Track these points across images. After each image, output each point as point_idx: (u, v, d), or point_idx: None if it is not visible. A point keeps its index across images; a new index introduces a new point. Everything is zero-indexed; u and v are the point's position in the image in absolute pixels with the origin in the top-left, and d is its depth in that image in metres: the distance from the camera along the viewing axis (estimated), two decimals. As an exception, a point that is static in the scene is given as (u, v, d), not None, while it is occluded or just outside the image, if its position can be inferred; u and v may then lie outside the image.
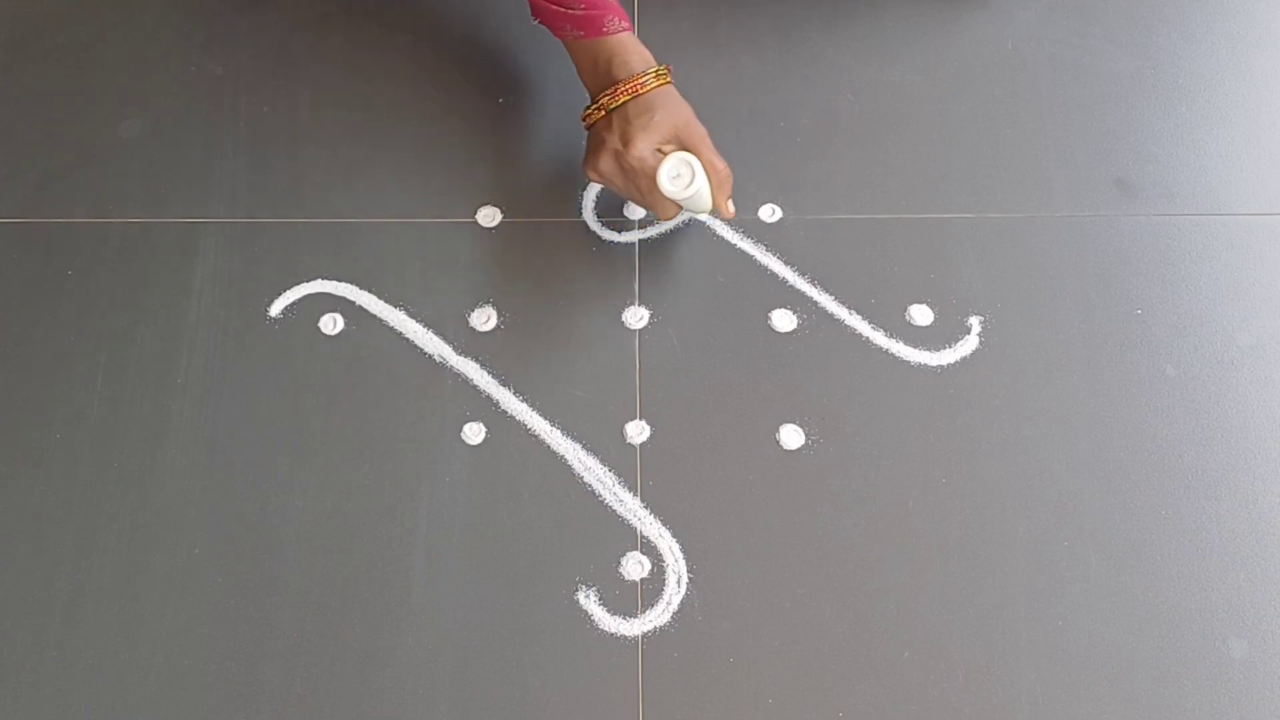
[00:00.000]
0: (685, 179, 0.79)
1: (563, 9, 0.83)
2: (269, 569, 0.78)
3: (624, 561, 0.78)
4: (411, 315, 0.87)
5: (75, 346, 0.86)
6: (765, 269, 0.89)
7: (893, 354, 0.85)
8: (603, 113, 0.83)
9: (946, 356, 0.85)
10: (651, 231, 0.90)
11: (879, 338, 0.86)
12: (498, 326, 0.86)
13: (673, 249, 0.90)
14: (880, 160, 0.94)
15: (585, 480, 0.81)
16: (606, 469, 0.81)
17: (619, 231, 0.90)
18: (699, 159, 0.80)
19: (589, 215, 0.91)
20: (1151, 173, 0.93)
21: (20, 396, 0.84)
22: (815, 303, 0.87)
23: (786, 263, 0.89)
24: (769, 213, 0.91)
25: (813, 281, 0.88)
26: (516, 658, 0.75)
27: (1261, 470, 0.81)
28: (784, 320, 0.86)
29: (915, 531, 0.79)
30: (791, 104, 0.96)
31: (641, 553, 0.78)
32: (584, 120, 0.84)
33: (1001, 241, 0.90)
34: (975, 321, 0.86)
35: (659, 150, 0.80)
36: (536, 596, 0.77)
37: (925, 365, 0.85)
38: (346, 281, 0.88)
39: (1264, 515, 0.79)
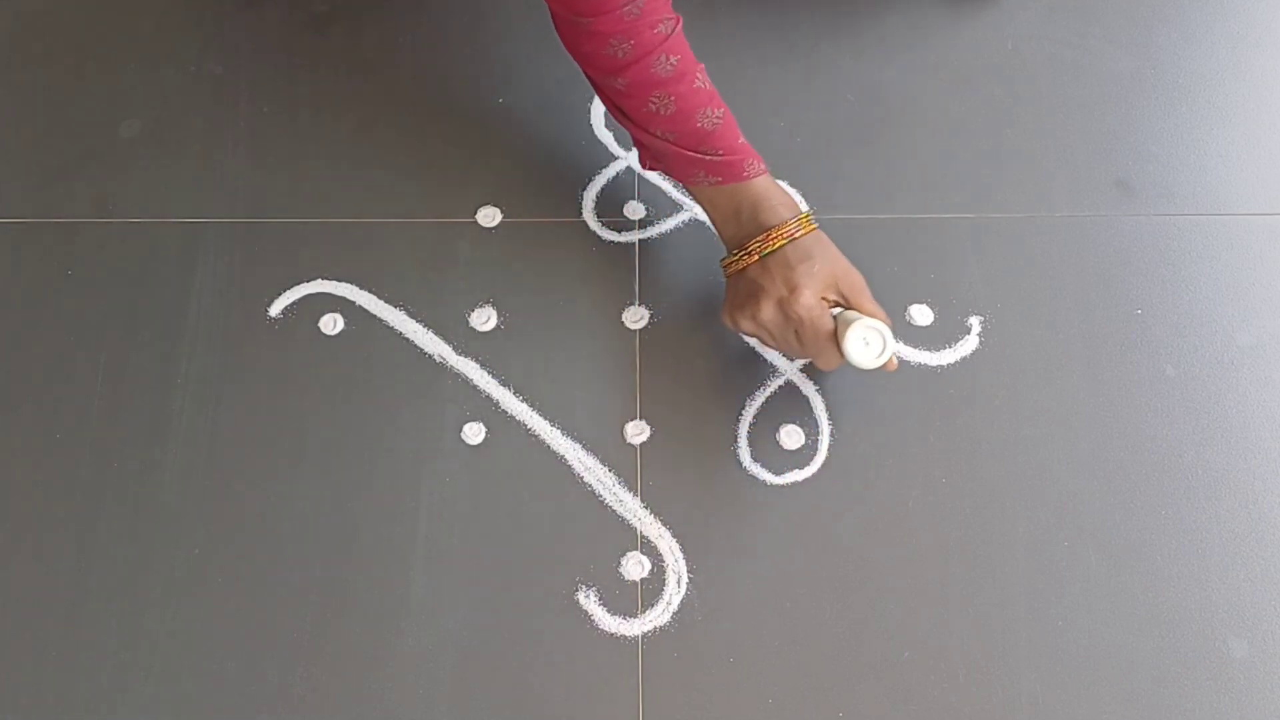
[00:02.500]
0: (876, 348, 0.75)
1: (700, 154, 0.78)
2: (269, 569, 0.78)
3: (624, 561, 0.78)
4: (411, 315, 0.87)
5: (75, 346, 0.86)
6: (765, 269, 0.89)
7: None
8: (755, 258, 0.77)
9: (946, 356, 0.85)
10: (651, 231, 0.90)
11: (879, 338, 0.86)
12: (498, 326, 0.86)
13: (673, 249, 0.90)
14: (880, 160, 0.94)
15: (585, 480, 0.81)
16: (606, 469, 0.81)
17: (619, 231, 0.90)
18: (863, 309, 0.77)
19: (589, 215, 0.91)
20: (1151, 173, 0.93)
21: (20, 396, 0.84)
22: (815, 303, 0.87)
23: (786, 263, 0.89)
24: (769, 213, 0.91)
25: (813, 281, 0.88)
26: (516, 657, 0.75)
27: (1261, 470, 0.81)
28: (784, 320, 0.86)
29: (915, 531, 0.79)
30: (791, 104, 0.96)
31: (641, 553, 0.78)
32: (726, 266, 0.80)
33: (1001, 241, 0.90)
34: (975, 321, 0.86)
35: (823, 299, 0.76)
36: (536, 596, 0.77)
37: (925, 365, 0.85)
38: (346, 281, 0.88)
39: (1264, 515, 0.79)
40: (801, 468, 0.81)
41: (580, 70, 0.81)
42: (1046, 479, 0.81)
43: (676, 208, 0.91)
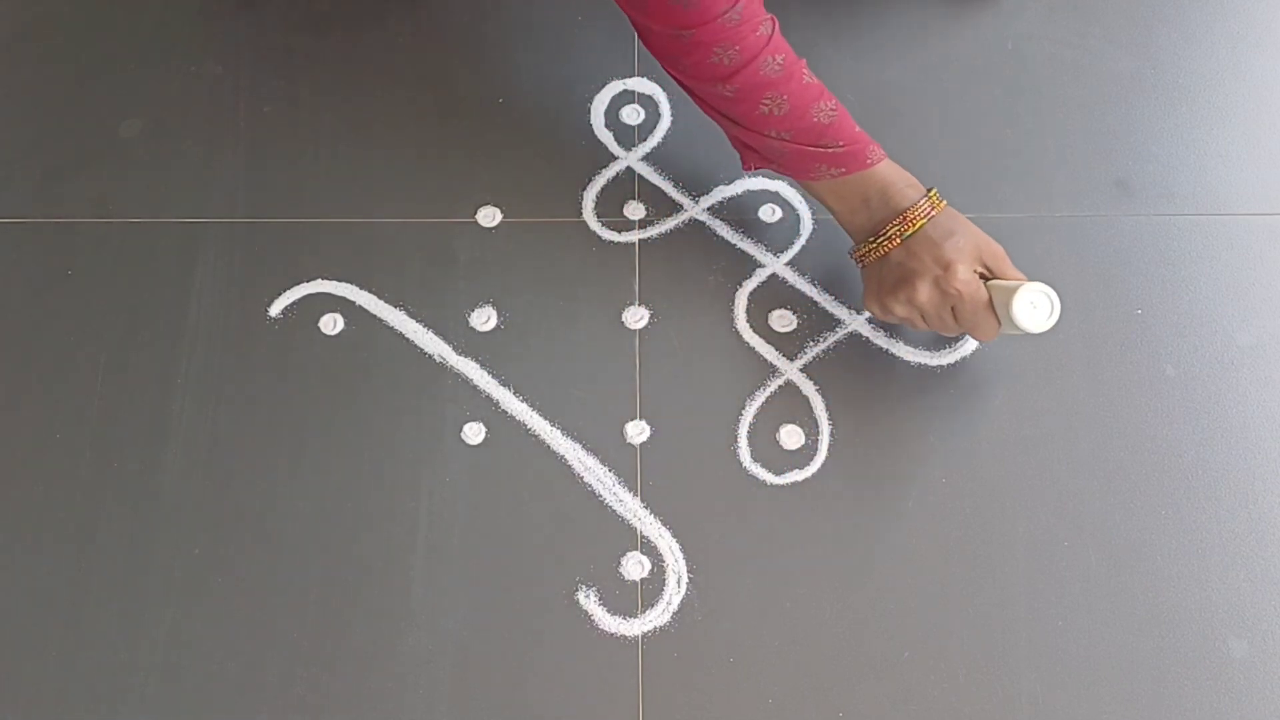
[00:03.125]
0: (1044, 309, 0.75)
1: (820, 148, 0.78)
2: (269, 569, 0.78)
3: (624, 561, 0.78)
4: (411, 315, 0.87)
5: (75, 346, 0.86)
6: (765, 269, 0.89)
7: (893, 354, 0.85)
8: (897, 242, 0.77)
9: (946, 356, 0.85)
10: (651, 231, 0.90)
11: (879, 338, 0.86)
12: (498, 326, 0.86)
13: (673, 249, 0.90)
14: (880, 160, 0.94)
15: (585, 480, 0.81)
16: (606, 469, 0.81)
17: (619, 231, 0.90)
18: (1009, 275, 0.77)
19: (589, 215, 0.91)
20: (1151, 173, 0.93)
21: (20, 396, 0.84)
22: (815, 303, 0.87)
23: (786, 263, 0.89)
24: (769, 213, 0.91)
25: (813, 281, 0.88)
26: (516, 657, 0.75)
27: (1261, 470, 0.81)
28: (784, 320, 0.86)
29: (915, 531, 0.79)
30: (791, 104, 0.96)
31: (641, 553, 0.78)
32: (864, 255, 0.80)
33: (1001, 241, 0.89)
34: (975, 321, 0.86)
35: (975, 271, 0.76)
36: (536, 596, 0.77)
37: (925, 365, 0.85)
38: (346, 281, 0.88)
39: (1264, 515, 0.79)
40: (801, 468, 0.81)
41: (678, 82, 0.81)
42: (1046, 479, 0.81)
43: (676, 208, 0.91)
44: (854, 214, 0.80)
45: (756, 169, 0.83)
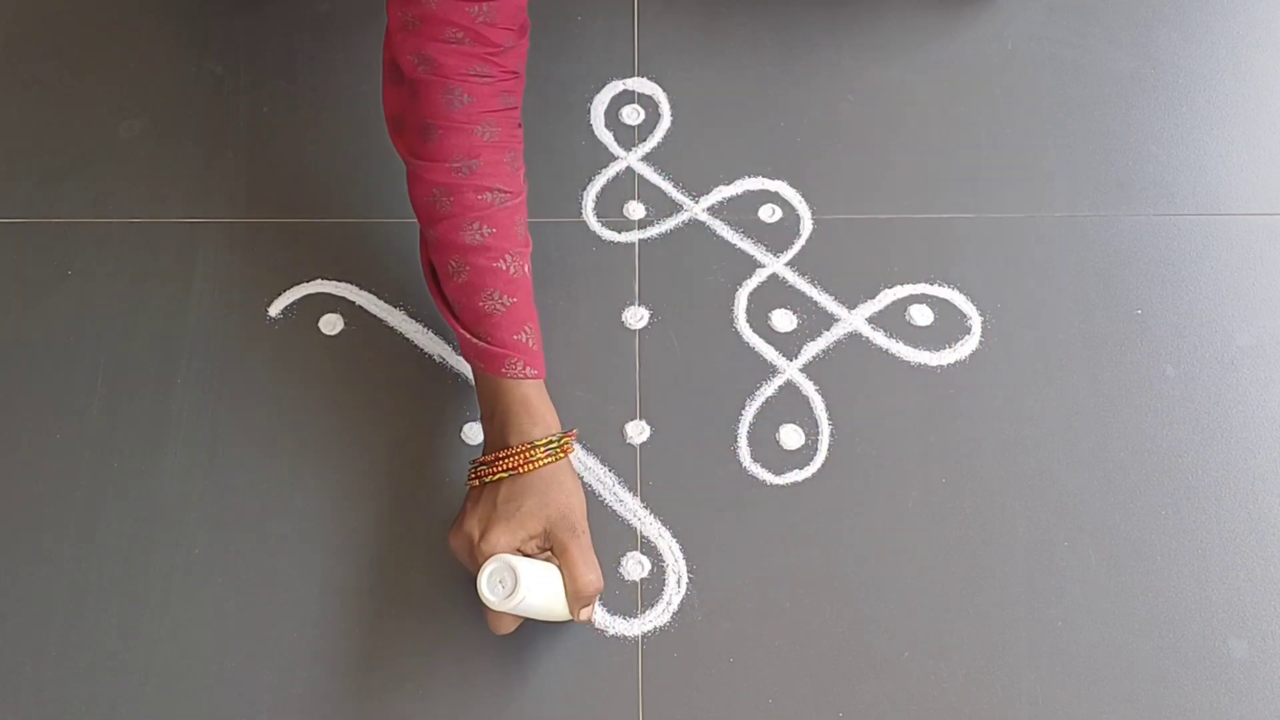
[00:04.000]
0: (507, 587, 0.67)
1: (467, 332, 0.74)
2: (269, 569, 0.78)
3: (624, 561, 0.78)
4: (411, 315, 0.87)
5: (75, 346, 0.86)
6: (765, 269, 0.89)
7: (893, 354, 0.85)
8: (478, 482, 0.72)
9: (946, 356, 0.85)
10: (651, 231, 0.90)
11: (879, 338, 0.86)
12: (498, 326, 0.86)
13: (673, 249, 0.90)
14: (880, 160, 0.94)
15: (585, 480, 0.81)
16: (606, 469, 0.81)
17: (619, 231, 0.90)
18: (563, 560, 0.70)
19: (589, 215, 0.91)
20: (1151, 173, 0.93)
21: (20, 396, 0.84)
22: (815, 303, 0.87)
23: (786, 263, 0.89)
24: (769, 213, 0.91)
25: (813, 281, 0.88)
26: (516, 658, 0.75)
27: (1261, 470, 0.81)
28: (784, 320, 0.86)
29: (915, 531, 0.79)
30: (791, 104, 0.96)
31: (641, 553, 0.78)
32: (467, 480, 0.74)
33: (1001, 241, 0.90)
34: (975, 321, 0.86)
35: (519, 550, 0.70)
36: (536, 596, 0.77)
37: (925, 365, 0.85)
38: (346, 281, 0.88)
39: (1264, 515, 0.79)
40: (801, 468, 0.81)
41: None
42: (1046, 479, 0.81)
43: (676, 208, 0.91)
44: (485, 422, 0.75)
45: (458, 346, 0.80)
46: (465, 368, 0.85)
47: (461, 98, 0.73)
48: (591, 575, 0.70)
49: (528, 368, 0.74)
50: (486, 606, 0.68)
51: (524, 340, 0.74)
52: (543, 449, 0.71)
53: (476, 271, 0.74)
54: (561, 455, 0.72)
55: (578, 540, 0.71)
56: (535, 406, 0.73)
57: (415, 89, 0.73)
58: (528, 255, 0.77)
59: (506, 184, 0.76)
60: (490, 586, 0.68)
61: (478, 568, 0.69)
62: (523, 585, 0.67)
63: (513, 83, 0.76)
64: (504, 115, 0.76)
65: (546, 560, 0.71)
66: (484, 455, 0.73)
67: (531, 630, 0.76)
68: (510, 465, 0.71)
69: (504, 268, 0.74)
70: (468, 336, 0.75)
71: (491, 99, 0.74)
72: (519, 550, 0.70)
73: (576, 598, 0.70)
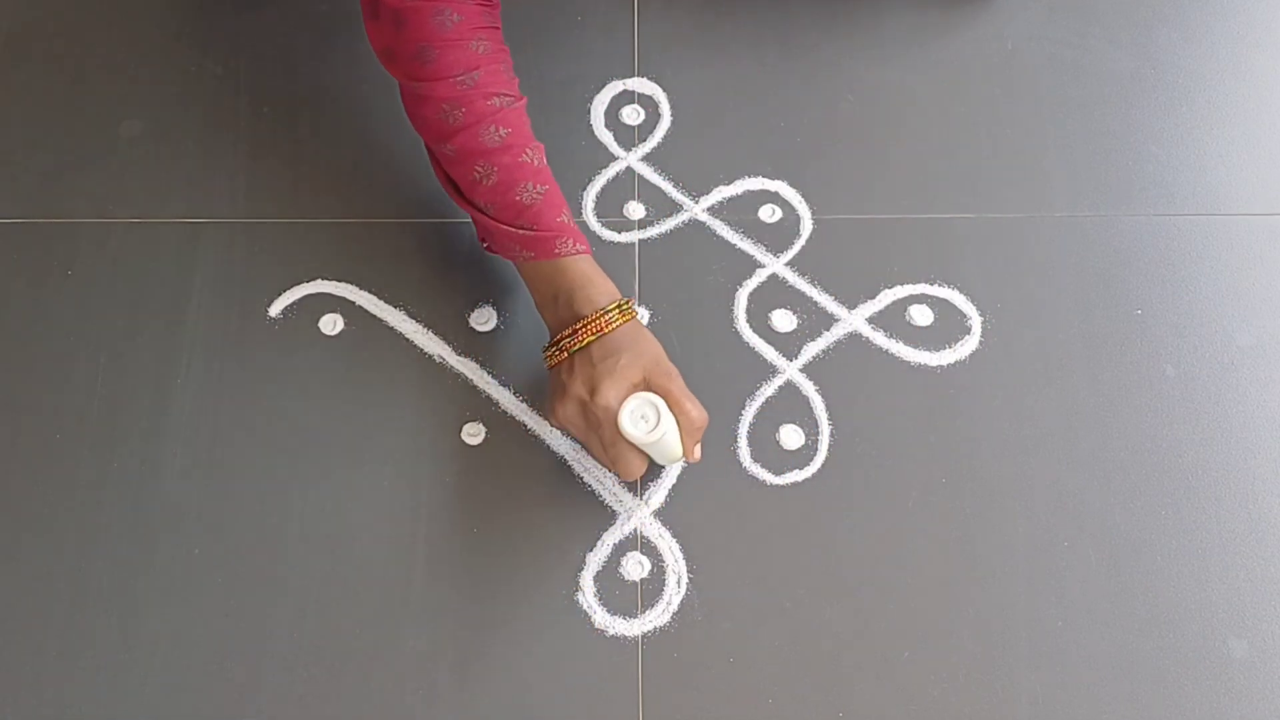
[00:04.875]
0: (650, 421, 0.72)
1: (515, 228, 0.77)
2: (269, 569, 0.78)
3: (624, 561, 0.78)
4: (411, 315, 0.87)
5: (75, 346, 0.86)
6: (765, 269, 0.89)
7: (893, 354, 0.85)
8: (565, 355, 0.75)
9: (946, 356, 0.85)
10: (651, 231, 0.90)
11: (879, 338, 0.86)
12: (498, 326, 0.86)
13: (673, 249, 0.90)
14: (880, 160, 0.94)
15: (585, 480, 0.81)
16: (606, 469, 0.81)
17: (619, 231, 0.90)
18: (669, 402, 0.73)
19: (589, 215, 0.91)
20: (1151, 173, 0.93)
21: (20, 396, 0.84)
22: (815, 303, 0.87)
23: (786, 263, 0.89)
24: (769, 213, 0.91)
25: (813, 281, 0.88)
26: (516, 658, 0.75)
27: (1261, 470, 0.81)
28: (784, 320, 0.86)
29: (915, 531, 0.79)
30: (791, 104, 0.96)
31: (641, 553, 0.78)
32: (547, 360, 0.77)
33: (1001, 241, 0.90)
34: (975, 321, 0.86)
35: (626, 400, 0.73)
36: (536, 596, 0.77)
37: (925, 365, 0.85)
38: (346, 281, 0.88)
39: (1264, 515, 0.79)
40: (801, 468, 0.81)
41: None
42: (1046, 479, 0.81)
43: (676, 208, 0.91)
44: (544, 308, 0.79)
45: (486, 248, 0.82)
46: (465, 367, 0.84)
47: (451, 17, 0.76)
48: (698, 410, 0.75)
49: (577, 244, 0.77)
50: (624, 451, 0.73)
51: (565, 221, 0.78)
52: (616, 312, 0.75)
53: (505, 170, 0.77)
54: (632, 314, 0.76)
55: (675, 380, 0.75)
56: (596, 279, 0.77)
57: (401, 17, 0.75)
58: (543, 151, 0.79)
59: (508, 89, 0.79)
60: (633, 422, 0.72)
61: (596, 425, 0.73)
62: (664, 418, 0.72)
63: (493, 4, 0.80)
64: (491, 31, 0.79)
65: None
66: (553, 341, 0.77)
67: (531, 630, 0.76)
68: (594, 330, 0.74)
69: (529, 160, 0.78)
70: (514, 230, 0.77)
71: (477, 16, 0.77)
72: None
73: (688, 431, 0.74)
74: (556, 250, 0.77)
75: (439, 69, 0.76)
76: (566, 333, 0.75)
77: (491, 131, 0.77)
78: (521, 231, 0.77)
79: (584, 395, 0.73)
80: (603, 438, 0.74)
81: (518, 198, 0.77)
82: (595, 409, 0.73)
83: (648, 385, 0.74)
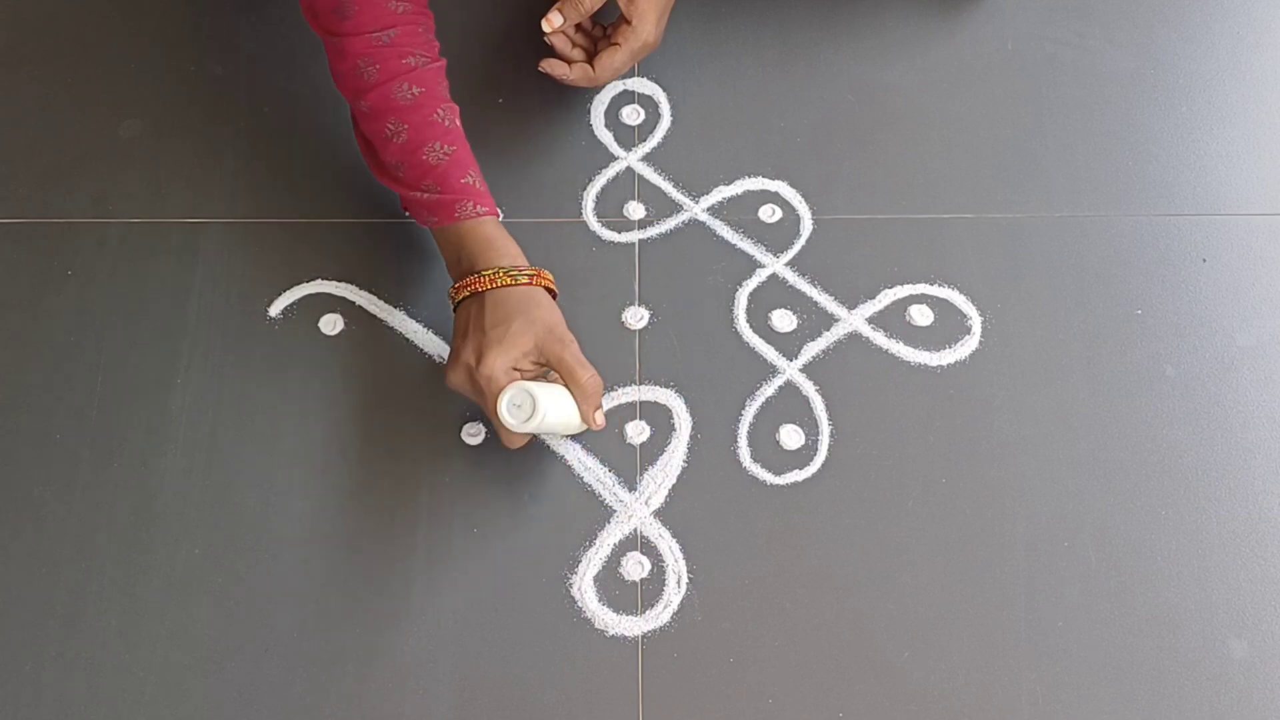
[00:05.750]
0: (526, 410, 0.72)
1: (420, 192, 0.78)
2: (269, 569, 0.78)
3: (624, 561, 0.78)
4: (411, 315, 0.87)
5: (75, 346, 0.86)
6: (765, 269, 0.89)
7: (893, 354, 0.85)
8: (452, 306, 0.76)
9: (946, 356, 0.85)
10: (651, 231, 0.90)
11: (879, 338, 0.86)
12: (498, 326, 0.86)
13: (673, 249, 0.90)
14: (880, 160, 0.94)
15: (585, 480, 0.81)
16: (606, 469, 0.81)
17: (619, 231, 0.90)
18: (561, 371, 0.74)
19: (589, 215, 0.91)
20: (1151, 173, 0.93)
21: (20, 396, 0.84)
22: (815, 303, 0.87)
23: (786, 263, 0.89)
24: (769, 213, 0.91)
25: (813, 281, 0.88)
26: (516, 658, 0.75)
27: (1261, 470, 0.81)
28: (784, 320, 0.86)
29: (915, 531, 0.79)
30: (791, 104, 0.96)
31: (641, 553, 0.78)
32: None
33: (1001, 241, 0.90)
34: (975, 321, 0.86)
35: (514, 369, 0.73)
36: (536, 597, 0.77)
37: (925, 365, 0.85)
38: (346, 281, 0.88)
39: (1264, 515, 0.79)
40: (801, 468, 0.81)
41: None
42: (1046, 479, 0.81)
43: (676, 208, 0.91)
44: (453, 270, 0.79)
45: (407, 214, 0.83)
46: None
47: None
48: (589, 373, 0.75)
49: (479, 206, 0.78)
50: (498, 422, 0.73)
51: (471, 183, 0.78)
52: (511, 274, 0.75)
53: (415, 128, 0.78)
54: (538, 282, 0.76)
55: (569, 348, 0.75)
56: (498, 242, 0.77)
57: None
58: (457, 113, 0.81)
59: (425, 50, 0.81)
60: (510, 411, 0.72)
61: (480, 394, 0.73)
62: (540, 405, 0.71)
63: None
64: None
65: (548, 381, 0.75)
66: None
67: (531, 630, 0.76)
68: (485, 284, 0.75)
69: (440, 120, 0.79)
70: (417, 195, 0.78)
71: None
72: (515, 369, 0.74)
73: (584, 399, 0.75)
74: (457, 213, 0.77)
75: (356, 24, 0.78)
76: (456, 287, 0.76)
77: (404, 89, 0.78)
78: (426, 195, 0.78)
79: (471, 362, 0.74)
80: (485, 407, 0.74)
81: (425, 157, 0.78)
82: (479, 378, 0.73)
83: (539, 352, 0.75)
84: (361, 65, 0.78)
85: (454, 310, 0.78)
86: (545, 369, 0.76)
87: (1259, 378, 0.84)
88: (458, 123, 0.80)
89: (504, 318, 0.74)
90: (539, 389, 0.73)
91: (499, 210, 0.80)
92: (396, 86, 0.78)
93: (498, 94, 0.96)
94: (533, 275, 0.77)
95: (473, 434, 0.82)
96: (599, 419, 0.77)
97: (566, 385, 0.75)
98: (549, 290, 0.79)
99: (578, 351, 0.75)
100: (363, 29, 0.78)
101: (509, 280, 0.75)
